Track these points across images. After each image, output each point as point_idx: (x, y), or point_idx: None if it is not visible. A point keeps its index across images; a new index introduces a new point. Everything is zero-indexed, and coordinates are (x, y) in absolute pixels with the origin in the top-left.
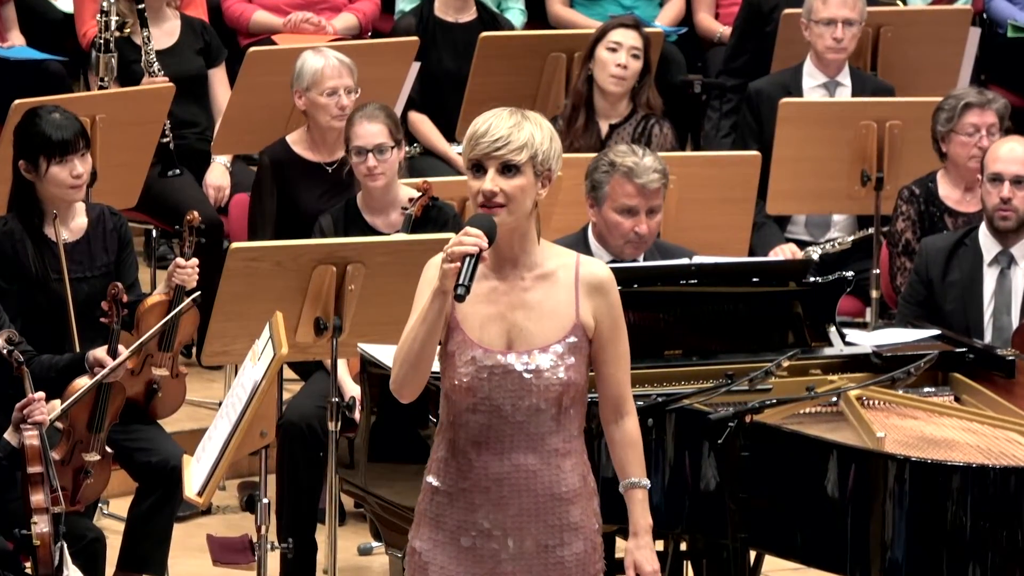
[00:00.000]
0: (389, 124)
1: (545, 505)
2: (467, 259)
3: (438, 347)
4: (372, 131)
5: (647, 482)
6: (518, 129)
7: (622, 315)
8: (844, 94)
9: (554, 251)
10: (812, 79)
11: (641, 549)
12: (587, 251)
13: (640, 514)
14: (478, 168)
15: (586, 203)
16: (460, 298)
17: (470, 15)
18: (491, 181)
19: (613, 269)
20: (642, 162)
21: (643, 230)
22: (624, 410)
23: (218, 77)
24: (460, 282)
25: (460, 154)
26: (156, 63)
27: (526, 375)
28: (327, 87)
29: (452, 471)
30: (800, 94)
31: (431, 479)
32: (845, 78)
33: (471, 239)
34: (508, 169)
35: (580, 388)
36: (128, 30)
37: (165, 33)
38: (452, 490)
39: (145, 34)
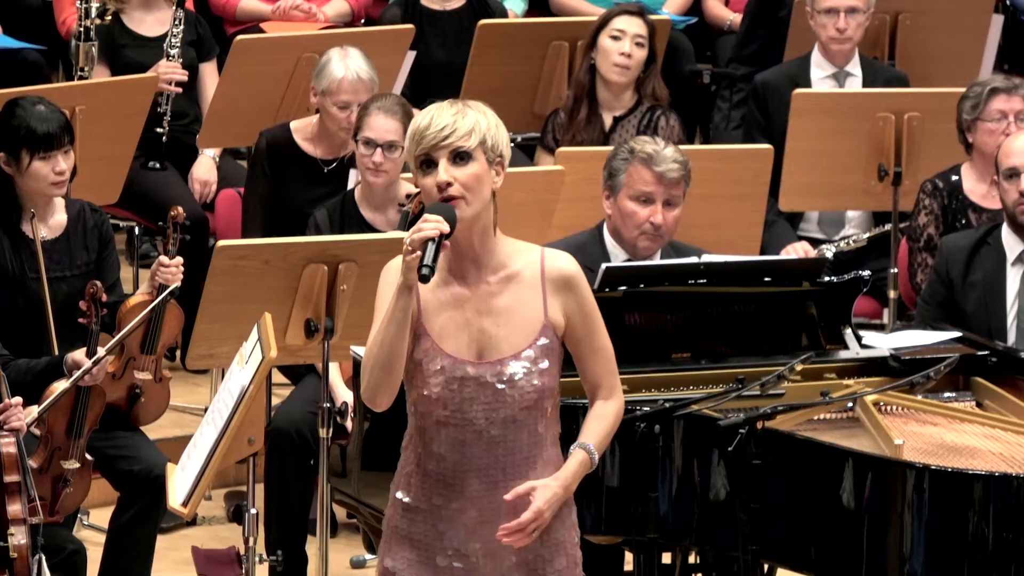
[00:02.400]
0: (405, 122)
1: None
2: (428, 243)
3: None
4: (387, 126)
5: (595, 453)
6: (462, 116)
7: (595, 308)
8: (855, 84)
9: (517, 248)
10: (820, 70)
11: (548, 488)
12: (602, 249)
13: (572, 470)
14: (428, 164)
15: (602, 196)
16: (424, 279)
17: (458, 1)
18: (444, 171)
19: (619, 268)
20: (662, 151)
21: (659, 220)
22: (602, 396)
23: (209, 72)
24: (423, 263)
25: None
26: (178, 48)
27: (499, 385)
28: (340, 100)
29: (424, 487)
30: (808, 86)
31: (400, 495)
32: (855, 68)
33: (430, 225)
34: (460, 157)
35: (555, 393)
36: (109, 17)
37: (157, 21)
38: (424, 506)
39: (179, 15)
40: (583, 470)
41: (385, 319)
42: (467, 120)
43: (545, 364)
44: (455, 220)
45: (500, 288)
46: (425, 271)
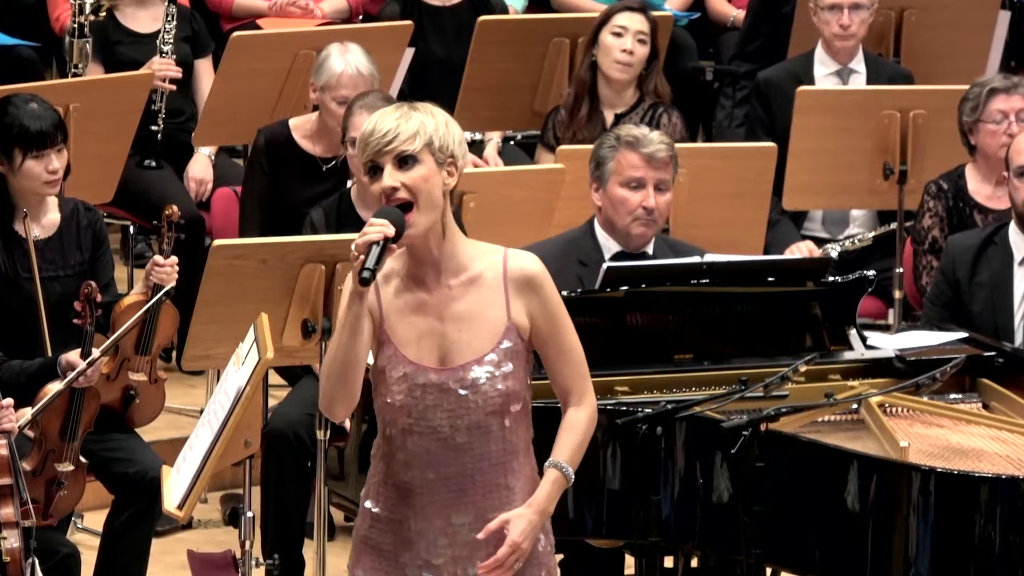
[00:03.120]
0: None
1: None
2: (372, 247)
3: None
4: None
5: (569, 469)
6: (406, 119)
7: (561, 308)
8: (858, 81)
9: (479, 249)
10: (824, 67)
11: (522, 518)
12: (594, 243)
13: (545, 492)
14: (375, 170)
15: (590, 188)
16: (365, 282)
17: None
18: (389, 177)
19: (620, 268)
20: (648, 135)
21: (651, 204)
22: (572, 402)
23: (204, 68)
24: (364, 266)
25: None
26: (171, 45)
27: (462, 391)
28: (340, 95)
29: (392, 497)
30: (811, 83)
31: (369, 504)
32: (859, 65)
33: (375, 228)
34: (405, 161)
35: (522, 397)
36: (103, 14)
37: (152, 17)
38: (393, 516)
39: (171, 11)
40: (557, 490)
41: (339, 326)
42: (411, 123)
43: (509, 367)
44: (403, 223)
45: (461, 292)
46: (365, 275)
